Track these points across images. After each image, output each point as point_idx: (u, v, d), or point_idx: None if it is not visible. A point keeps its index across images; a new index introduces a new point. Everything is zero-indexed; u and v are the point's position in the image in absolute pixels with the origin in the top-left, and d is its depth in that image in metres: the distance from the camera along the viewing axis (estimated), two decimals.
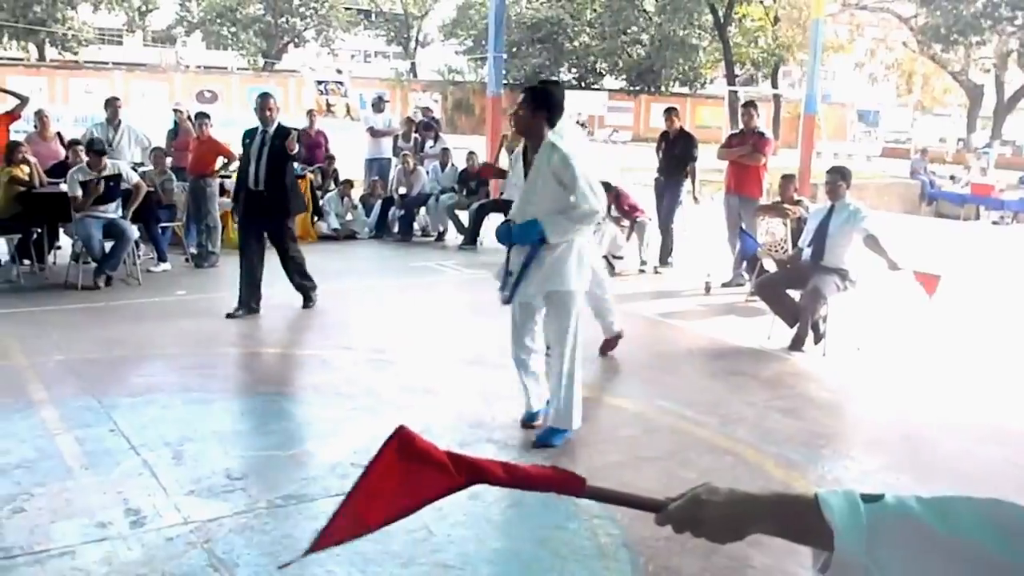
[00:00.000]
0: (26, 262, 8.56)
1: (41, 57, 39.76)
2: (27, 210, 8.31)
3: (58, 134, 10.18)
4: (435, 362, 6.13)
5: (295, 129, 7.62)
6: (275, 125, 7.26)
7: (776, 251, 8.05)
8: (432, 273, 9.57)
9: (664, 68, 44.05)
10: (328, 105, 19.32)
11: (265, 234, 7.45)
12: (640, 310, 7.97)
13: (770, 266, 8.11)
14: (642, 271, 9.71)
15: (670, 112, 9.79)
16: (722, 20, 39.59)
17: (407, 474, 1.22)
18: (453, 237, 11.64)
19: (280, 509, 3.78)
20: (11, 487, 3.87)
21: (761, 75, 46.29)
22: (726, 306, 8.25)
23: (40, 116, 10.04)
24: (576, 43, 45.29)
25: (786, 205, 8.14)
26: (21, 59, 39.95)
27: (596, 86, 48.08)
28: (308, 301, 7.59)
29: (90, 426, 4.68)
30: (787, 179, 8.41)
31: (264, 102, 7.28)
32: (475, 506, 3.82)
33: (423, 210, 11.86)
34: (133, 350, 6.29)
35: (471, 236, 11.12)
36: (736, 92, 30.23)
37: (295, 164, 11.88)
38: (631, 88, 46.42)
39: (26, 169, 8.43)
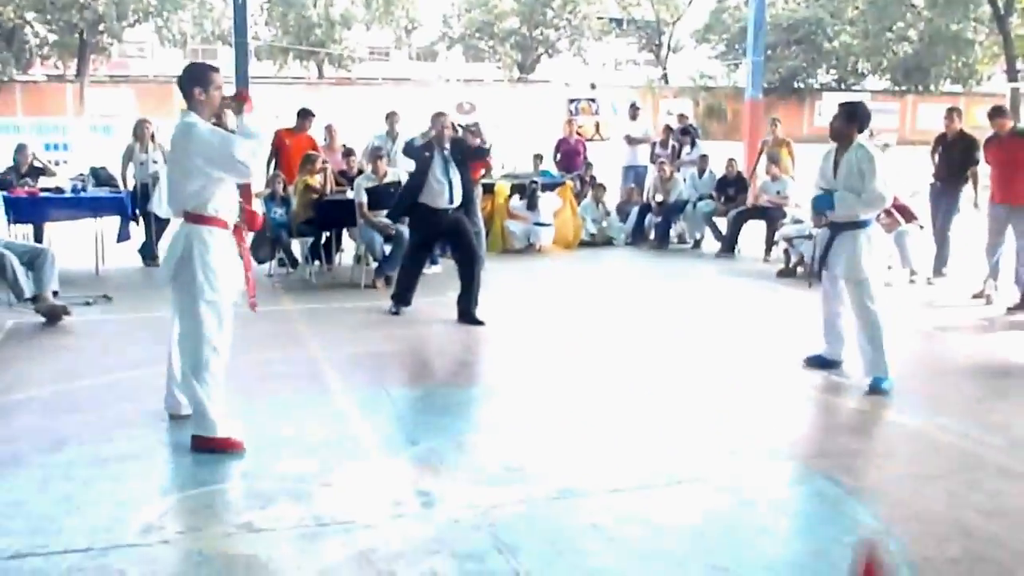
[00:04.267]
0: (316, 263, 9.42)
1: (320, 75, 43.24)
2: (319, 215, 9.13)
3: (344, 146, 11.07)
4: (700, 373, 6.15)
5: (461, 126, 7.76)
6: (448, 143, 7.39)
7: None
8: (689, 280, 9.55)
9: (934, 66, 41.18)
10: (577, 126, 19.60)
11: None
12: (913, 322, 7.58)
13: None
14: (912, 281, 9.20)
15: (951, 112, 9.20)
16: (1002, 11, 36.50)
17: None
18: (710, 244, 11.54)
19: (556, 501, 3.95)
20: (319, 464, 4.30)
21: None
22: (1011, 322, 7.66)
23: (329, 129, 10.99)
24: (836, 43, 43.29)
25: None
26: (303, 78, 43.65)
27: (857, 87, 45.73)
28: (474, 318, 7.35)
29: (380, 413, 5.11)
30: None
31: (439, 120, 7.41)
32: (747, 513, 3.83)
33: (680, 217, 11.85)
34: (411, 345, 6.78)
35: (729, 244, 10.99)
36: (1018, 89, 27.73)
37: (555, 171, 12.33)
38: (896, 88, 43.77)
39: (319, 179, 9.27)
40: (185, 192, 4.37)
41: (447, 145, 7.38)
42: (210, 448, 4.37)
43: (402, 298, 7.58)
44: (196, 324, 4.37)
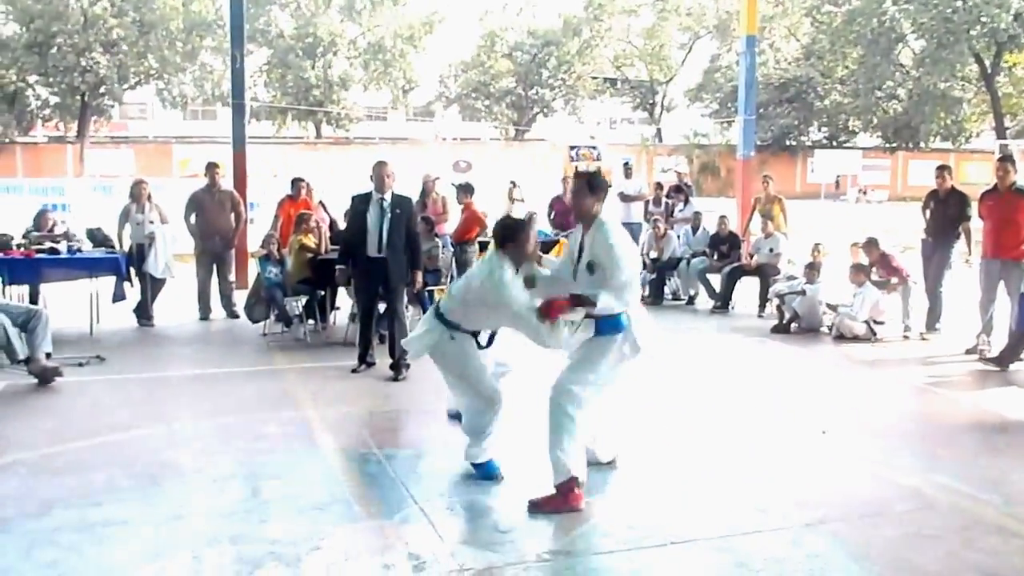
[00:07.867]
0: (311, 321, 9.40)
1: (318, 135, 43.70)
2: (314, 274, 9.15)
3: (320, 202, 11.03)
4: (695, 430, 6.12)
5: (408, 198, 7.71)
6: (390, 193, 7.39)
7: None
8: (683, 337, 9.53)
9: (923, 123, 41.69)
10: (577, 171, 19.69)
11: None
12: (907, 378, 7.57)
13: None
14: (906, 337, 9.20)
15: (942, 170, 9.28)
16: (989, 70, 37.14)
17: None
18: (704, 301, 11.55)
19: (548, 563, 3.91)
20: (308, 526, 4.25)
21: None
22: (1005, 376, 7.64)
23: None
24: (827, 101, 43.92)
25: None
26: (301, 137, 44.12)
27: (849, 144, 46.29)
28: (399, 372, 7.45)
29: (372, 475, 5.06)
30: None
31: (380, 170, 7.44)
32: (742, 575, 3.78)
33: (674, 274, 11.88)
34: (404, 404, 6.74)
35: (723, 300, 11.01)
36: (1007, 145, 28.05)
37: (550, 230, 12.40)
38: (887, 145, 44.27)
39: (313, 237, 9.31)
40: None
41: (386, 196, 7.37)
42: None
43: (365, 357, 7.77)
44: None
